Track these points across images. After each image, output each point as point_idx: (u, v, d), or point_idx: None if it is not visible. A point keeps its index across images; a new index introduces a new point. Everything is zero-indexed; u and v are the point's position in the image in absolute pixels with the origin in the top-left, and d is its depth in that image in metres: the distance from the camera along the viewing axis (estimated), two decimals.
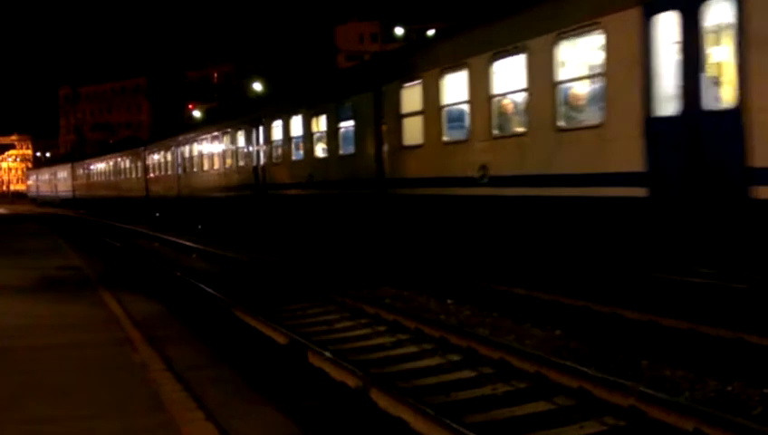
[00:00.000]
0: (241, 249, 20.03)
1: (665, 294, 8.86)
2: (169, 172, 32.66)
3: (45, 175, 78.27)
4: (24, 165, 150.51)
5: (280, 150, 20.88)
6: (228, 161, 25.20)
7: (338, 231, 17.61)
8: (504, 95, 11.93)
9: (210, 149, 27.11)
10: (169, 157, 32.71)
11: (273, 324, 9.41)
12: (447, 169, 13.08)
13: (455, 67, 12.82)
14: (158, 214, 35.10)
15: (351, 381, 6.83)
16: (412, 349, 8.47)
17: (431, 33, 30.72)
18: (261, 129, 21.91)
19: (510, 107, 12.04)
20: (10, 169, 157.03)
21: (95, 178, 51.46)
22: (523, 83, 11.10)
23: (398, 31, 57.12)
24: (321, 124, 18.25)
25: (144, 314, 9.51)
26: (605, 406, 6.02)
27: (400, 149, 14.70)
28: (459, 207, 12.80)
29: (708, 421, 5.25)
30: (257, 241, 21.99)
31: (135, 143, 41.77)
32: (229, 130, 24.89)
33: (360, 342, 9.03)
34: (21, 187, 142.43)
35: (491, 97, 11.86)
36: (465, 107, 12.63)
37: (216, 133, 26.52)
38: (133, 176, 40.25)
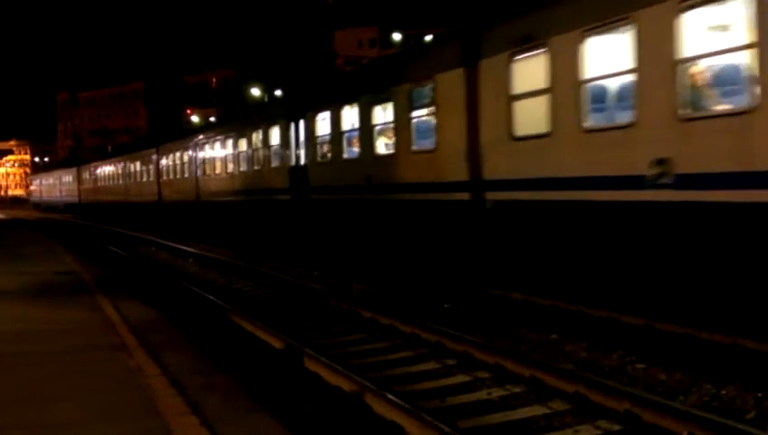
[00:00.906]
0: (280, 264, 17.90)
1: (662, 299, 8.84)
2: (186, 175, 29.42)
3: (49, 179, 74.52)
4: (22, 170, 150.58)
5: (326, 148, 17.69)
6: (258, 162, 21.95)
7: (408, 249, 14.00)
8: (705, 58, 8.03)
9: (235, 149, 23.93)
10: (186, 158, 29.51)
11: (268, 329, 9.42)
12: (595, 165, 9.34)
13: (610, 25, 9.00)
14: (171, 222, 31.63)
15: (347, 386, 6.83)
16: (408, 354, 8.47)
17: (429, 38, 30.51)
18: (302, 123, 18.70)
19: (711, 75, 8.30)
20: (8, 175, 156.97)
21: (102, 181, 48.08)
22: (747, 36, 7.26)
23: (396, 36, 57.27)
24: (384, 114, 15.00)
25: (140, 319, 9.50)
26: (600, 410, 6.02)
27: (510, 140, 10.92)
28: (615, 217, 9.13)
29: (703, 425, 5.26)
30: (294, 252, 18.98)
31: (146, 144, 38.46)
32: (260, 126, 21.74)
33: (356, 346, 9.03)
34: (19, 192, 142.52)
35: (680, 62, 7.98)
36: (629, 78, 8.84)
37: (242, 131, 23.37)
38: (144, 179, 37.09)
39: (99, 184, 49.11)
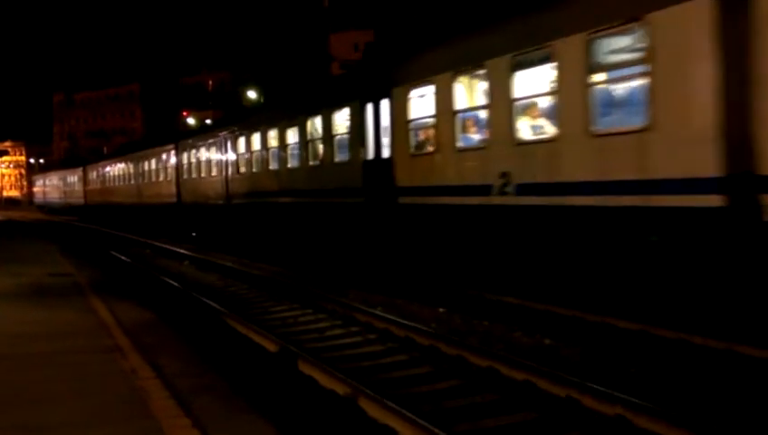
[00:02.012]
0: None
1: (658, 305, 8.87)
2: (214, 174, 25.38)
3: (53, 179, 69.30)
4: (17, 171, 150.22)
5: (425, 134, 13.24)
6: (315, 156, 17.60)
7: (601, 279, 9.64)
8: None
9: (281, 141, 19.52)
10: (214, 154, 25.38)
11: (263, 331, 9.42)
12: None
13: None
14: (194, 227, 28.15)
15: (341, 389, 6.84)
16: (402, 357, 8.48)
17: None
18: (383, 105, 14.26)
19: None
20: (3, 176, 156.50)
21: (112, 182, 43.78)
22: None
23: None
24: (538, 80, 10.54)
25: (134, 321, 9.50)
26: (593, 415, 6.04)
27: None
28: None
29: (697, 431, 5.28)
30: (371, 271, 14.81)
31: (162, 140, 35.10)
32: (317, 111, 17.41)
33: (351, 349, 9.03)
34: (14, 193, 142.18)
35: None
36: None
37: (290, 119, 18.89)
38: (161, 179, 32.95)
39: (107, 185, 45.21)
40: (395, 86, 13.77)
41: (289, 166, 19.18)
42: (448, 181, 12.31)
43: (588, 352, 8.36)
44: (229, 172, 23.78)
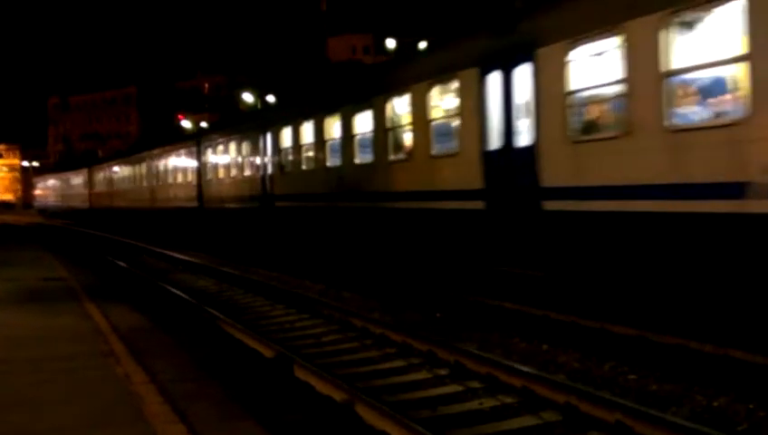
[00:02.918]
0: None
1: (654, 309, 8.84)
2: (248, 173, 21.71)
3: (56, 182, 65.16)
4: (12, 175, 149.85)
5: (599, 110, 9.56)
6: (401, 147, 13.86)
7: None
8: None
9: (346, 131, 15.62)
10: (245, 149, 21.84)
11: (259, 337, 9.36)
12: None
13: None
14: (220, 234, 24.35)
15: (337, 395, 6.79)
16: (399, 363, 8.43)
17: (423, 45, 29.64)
18: (520, 72, 10.31)
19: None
20: None
21: (121, 184, 39.96)
22: None
23: (390, 44, 57.39)
24: None
25: (128, 325, 9.43)
26: (592, 421, 6.00)
27: None
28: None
29: None
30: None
31: (182, 136, 32.87)
32: (406, 89, 13.30)
33: (347, 355, 8.98)
34: (9, 196, 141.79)
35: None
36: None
37: (358, 102, 15.12)
38: (179, 180, 29.35)
39: (116, 187, 41.27)
40: (542, 45, 9.83)
41: (358, 162, 15.20)
42: (652, 178, 8.22)
43: (586, 357, 8.31)
44: (269, 172, 20.02)
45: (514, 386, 6.96)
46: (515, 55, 10.34)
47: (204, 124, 58.00)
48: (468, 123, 11.42)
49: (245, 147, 21.96)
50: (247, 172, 21.85)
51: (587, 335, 9.05)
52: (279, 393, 7.13)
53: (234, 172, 23.14)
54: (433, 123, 12.57)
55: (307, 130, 17.62)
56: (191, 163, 27.47)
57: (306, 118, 17.65)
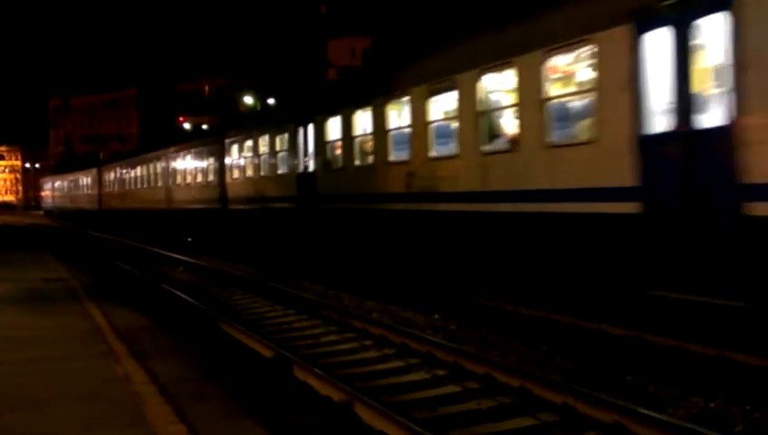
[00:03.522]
0: None
1: (653, 311, 8.87)
2: (283, 170, 19.00)
3: (64, 182, 61.98)
4: (12, 176, 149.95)
5: None
6: (496, 134, 11.21)
7: None
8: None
9: (419, 119, 12.63)
10: (280, 144, 19.21)
11: (258, 337, 9.40)
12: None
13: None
14: (248, 238, 21.96)
15: (336, 395, 6.82)
16: (398, 363, 8.46)
17: None
18: (702, 27, 7.70)
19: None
20: None
21: (133, 184, 37.55)
22: None
23: None
24: None
25: (129, 326, 9.46)
26: (589, 422, 6.03)
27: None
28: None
29: None
30: None
31: (203, 132, 30.19)
32: (507, 61, 10.55)
33: (346, 356, 9.01)
34: (10, 198, 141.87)
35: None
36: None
37: (441, 76, 12.12)
38: (198, 179, 27.09)
39: (127, 187, 38.81)
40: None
41: (433, 154, 12.36)
42: None
43: (583, 358, 8.34)
44: (309, 168, 17.17)
45: (512, 387, 7.00)
46: (699, 4, 7.65)
47: (205, 127, 57.95)
48: (612, 100, 8.65)
49: (280, 142, 19.27)
50: (283, 170, 19.06)
51: (585, 337, 9.09)
52: (278, 394, 7.16)
53: (264, 172, 20.48)
54: (550, 103, 9.78)
55: (363, 120, 14.82)
56: (214, 162, 25.13)
57: (361, 105, 14.82)
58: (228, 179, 23.56)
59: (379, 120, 14.01)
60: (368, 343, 9.61)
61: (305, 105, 18.08)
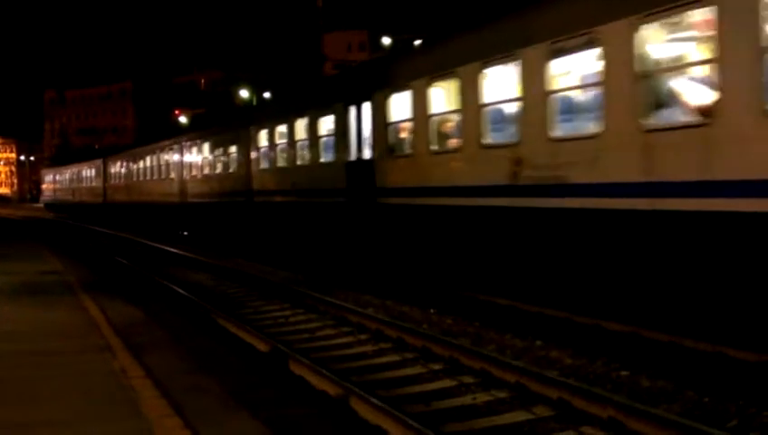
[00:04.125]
0: None
1: (647, 306, 8.88)
2: (327, 159, 16.36)
3: (65, 174, 58.07)
4: (8, 168, 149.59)
5: None
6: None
7: None
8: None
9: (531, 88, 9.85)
10: (324, 128, 16.35)
11: (254, 331, 9.40)
12: None
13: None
14: (278, 235, 19.32)
15: (332, 390, 6.83)
16: (394, 358, 8.47)
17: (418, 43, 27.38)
18: None
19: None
20: None
21: (141, 176, 34.55)
22: None
23: (386, 40, 57.32)
24: None
25: (124, 319, 9.44)
26: (584, 416, 6.05)
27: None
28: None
29: (686, 432, 5.29)
30: None
31: (226, 117, 26.94)
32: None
33: (342, 350, 9.02)
34: (5, 190, 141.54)
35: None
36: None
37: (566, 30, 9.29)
38: (218, 170, 24.45)
39: (135, 179, 35.91)
40: None
41: (555, 135, 9.47)
42: None
43: (579, 353, 8.36)
44: (364, 155, 14.52)
45: (508, 381, 7.01)
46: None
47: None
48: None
49: (323, 125, 16.39)
50: (326, 158, 16.31)
51: (580, 332, 9.10)
52: (274, 388, 7.15)
53: (302, 160, 17.80)
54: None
55: (438, 96, 12.20)
56: (238, 150, 22.39)
57: (441, 76, 11.97)
58: (256, 169, 20.56)
59: (470, 94, 11.05)
60: (363, 337, 9.61)
61: (359, 80, 15.41)
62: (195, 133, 27.91)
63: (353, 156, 14.87)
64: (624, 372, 7.56)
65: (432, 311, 11.28)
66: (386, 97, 13.51)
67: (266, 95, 51.53)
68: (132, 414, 5.39)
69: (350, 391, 6.55)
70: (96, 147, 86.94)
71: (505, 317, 10.27)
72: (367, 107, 14.28)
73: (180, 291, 13.11)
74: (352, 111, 14.88)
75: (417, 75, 12.52)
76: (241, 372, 7.58)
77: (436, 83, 12.07)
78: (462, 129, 11.42)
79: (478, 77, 10.82)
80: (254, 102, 56.07)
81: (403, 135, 13.32)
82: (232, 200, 22.41)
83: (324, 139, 16.35)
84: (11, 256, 18.37)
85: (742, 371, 7.13)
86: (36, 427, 5.21)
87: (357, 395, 6.43)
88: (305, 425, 6.09)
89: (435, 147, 12.19)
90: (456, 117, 11.63)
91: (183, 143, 28.20)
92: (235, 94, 67.86)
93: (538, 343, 9.01)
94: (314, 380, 7.23)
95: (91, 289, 12.21)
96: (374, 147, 14.12)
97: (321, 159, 16.51)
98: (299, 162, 17.87)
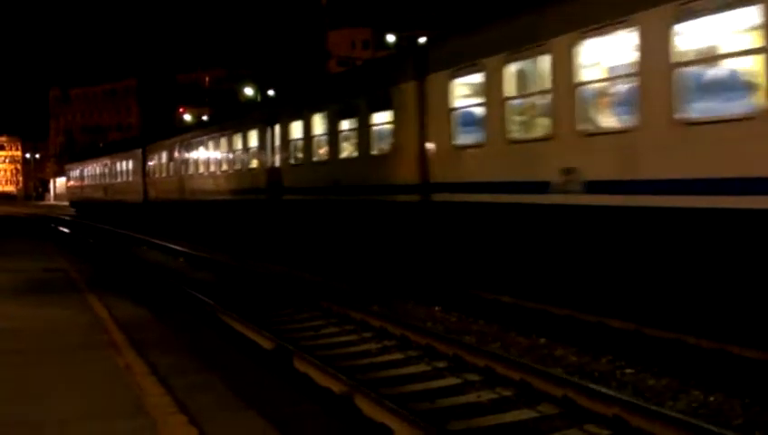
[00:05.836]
0: None
1: (652, 304, 8.87)
2: (378, 151, 14.73)
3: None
4: (12, 166, 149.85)
5: None
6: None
7: None
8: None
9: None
10: (379, 115, 14.53)
11: (258, 329, 9.40)
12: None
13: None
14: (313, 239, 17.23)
15: (336, 387, 6.83)
16: (398, 356, 8.47)
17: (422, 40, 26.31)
18: None
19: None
20: None
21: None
22: None
23: (390, 38, 57.25)
24: None
25: (129, 317, 9.45)
26: (589, 414, 6.03)
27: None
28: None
29: (691, 431, 5.28)
30: None
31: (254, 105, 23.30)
32: None
33: (346, 348, 9.02)
34: (10, 188, 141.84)
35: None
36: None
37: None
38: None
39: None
40: None
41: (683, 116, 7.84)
42: None
43: (583, 351, 8.35)
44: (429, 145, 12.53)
45: (512, 379, 7.00)
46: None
47: (205, 118, 57.71)
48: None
49: (378, 112, 14.37)
50: (384, 147, 14.29)
51: (585, 329, 9.09)
52: (278, 385, 7.15)
53: (346, 152, 15.76)
54: None
55: (510, 75, 10.64)
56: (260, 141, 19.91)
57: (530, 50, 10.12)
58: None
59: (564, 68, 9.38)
60: (368, 335, 9.61)
61: (425, 57, 12.76)
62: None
63: (416, 147, 12.81)
64: (629, 370, 7.55)
65: (437, 309, 11.27)
66: (448, 79, 11.92)
67: (270, 93, 51.46)
68: (138, 411, 5.39)
69: (355, 389, 6.55)
70: (100, 145, 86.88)
71: (509, 315, 10.26)
72: (435, 84, 12.19)
73: (185, 288, 13.10)
74: (412, 92, 12.82)
75: (493, 49, 10.82)
76: (246, 369, 7.59)
77: (506, 64, 10.60)
78: (556, 112, 9.71)
79: (572, 52, 9.23)
80: (259, 99, 55.99)
81: (477, 122, 11.52)
82: (259, 198, 20.00)
83: (377, 128, 14.47)
84: (16, 254, 18.38)
85: (747, 369, 7.11)
86: (41, 423, 5.21)
87: (362, 393, 6.42)
88: (310, 422, 6.09)
89: (516, 135, 10.79)
90: (549, 98, 9.88)
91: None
92: (240, 92, 67.88)
93: (542, 340, 9.00)
94: (319, 377, 7.23)
95: (95, 286, 12.20)
96: (426, 138, 12.52)
97: (373, 151, 14.53)
98: (344, 154, 15.80)
